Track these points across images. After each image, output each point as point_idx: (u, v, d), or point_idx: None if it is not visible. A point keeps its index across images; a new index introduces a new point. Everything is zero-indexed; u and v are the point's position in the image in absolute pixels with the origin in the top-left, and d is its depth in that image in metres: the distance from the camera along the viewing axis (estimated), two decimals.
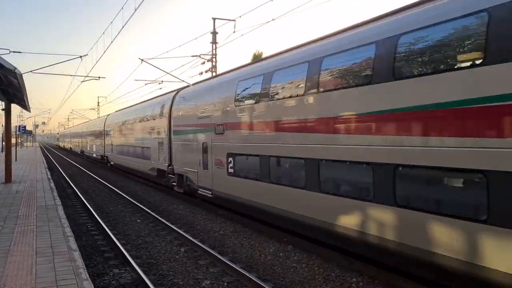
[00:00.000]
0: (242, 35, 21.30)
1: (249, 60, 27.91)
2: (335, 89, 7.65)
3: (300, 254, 8.45)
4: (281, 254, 8.57)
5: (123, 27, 16.14)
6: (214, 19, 24.36)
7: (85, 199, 15.56)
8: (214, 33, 24.41)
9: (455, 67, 5.70)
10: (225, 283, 7.06)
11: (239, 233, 10.34)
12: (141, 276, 7.03)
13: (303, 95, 8.40)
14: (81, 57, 21.41)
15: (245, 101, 10.82)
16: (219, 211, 12.76)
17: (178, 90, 16.93)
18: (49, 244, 7.42)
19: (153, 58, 27.52)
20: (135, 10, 13.90)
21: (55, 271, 5.97)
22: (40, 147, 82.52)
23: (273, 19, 17.10)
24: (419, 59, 6.25)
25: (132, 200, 15.30)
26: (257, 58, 27.84)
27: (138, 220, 12.30)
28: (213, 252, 8.43)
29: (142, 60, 24.15)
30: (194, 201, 14.55)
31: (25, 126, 45.48)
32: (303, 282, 7.05)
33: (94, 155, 37.85)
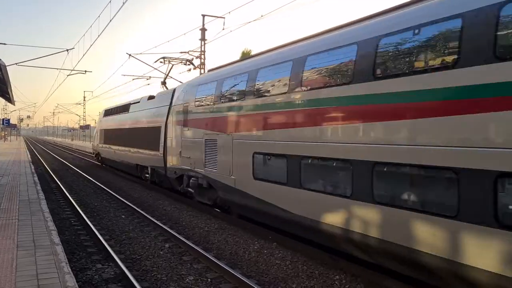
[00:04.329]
0: (231, 31, 21.24)
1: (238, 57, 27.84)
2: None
3: (284, 251, 8.49)
4: (265, 251, 8.60)
5: (110, 20, 16.01)
6: (203, 15, 24.27)
7: (69, 193, 15.40)
8: (203, 30, 24.33)
9: None
10: (209, 279, 7.06)
11: (224, 230, 10.35)
12: (124, 271, 6.99)
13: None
14: (67, 50, 21.18)
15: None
16: (203, 207, 12.76)
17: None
18: (31, 238, 7.33)
19: (141, 53, 27.23)
20: (123, 3, 13.78)
21: (37, 264, 5.91)
22: (25, 141, 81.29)
23: (262, 16, 17.10)
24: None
25: (117, 196, 15.19)
26: (245, 56, 27.82)
27: (123, 216, 12.22)
28: (197, 248, 8.43)
29: (129, 55, 23.93)
30: (179, 197, 14.56)
31: (9, 120, 44.73)
32: (286, 279, 7.09)
33: None
